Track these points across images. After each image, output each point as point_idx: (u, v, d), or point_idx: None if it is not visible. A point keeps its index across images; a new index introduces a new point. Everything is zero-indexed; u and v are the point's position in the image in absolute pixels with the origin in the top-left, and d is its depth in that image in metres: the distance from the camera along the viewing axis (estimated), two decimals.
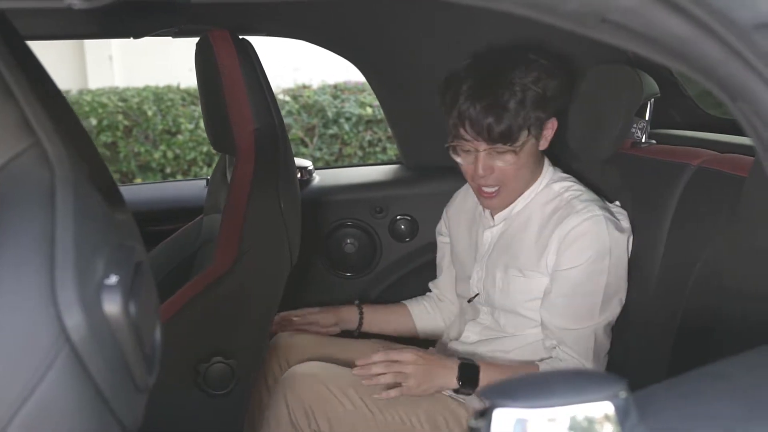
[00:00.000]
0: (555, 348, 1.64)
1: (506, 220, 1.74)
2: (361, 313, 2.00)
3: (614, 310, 1.65)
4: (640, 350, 1.66)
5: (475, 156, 1.63)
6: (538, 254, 1.65)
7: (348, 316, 2.00)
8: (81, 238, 0.69)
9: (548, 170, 1.72)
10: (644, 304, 1.64)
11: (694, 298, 1.50)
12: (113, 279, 0.71)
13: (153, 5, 1.54)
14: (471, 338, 1.79)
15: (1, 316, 0.66)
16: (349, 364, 1.83)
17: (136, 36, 1.85)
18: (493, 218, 1.77)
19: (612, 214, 1.65)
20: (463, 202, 1.91)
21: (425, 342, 2.00)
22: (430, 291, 2.05)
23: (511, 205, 1.73)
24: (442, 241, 2.00)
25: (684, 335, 1.53)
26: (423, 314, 2.02)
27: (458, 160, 1.68)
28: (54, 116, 0.75)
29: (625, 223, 1.66)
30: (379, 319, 2.01)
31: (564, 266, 1.61)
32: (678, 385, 0.72)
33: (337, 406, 1.64)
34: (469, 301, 1.81)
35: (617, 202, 1.73)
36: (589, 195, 1.67)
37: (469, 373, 1.59)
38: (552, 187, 1.69)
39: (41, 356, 0.66)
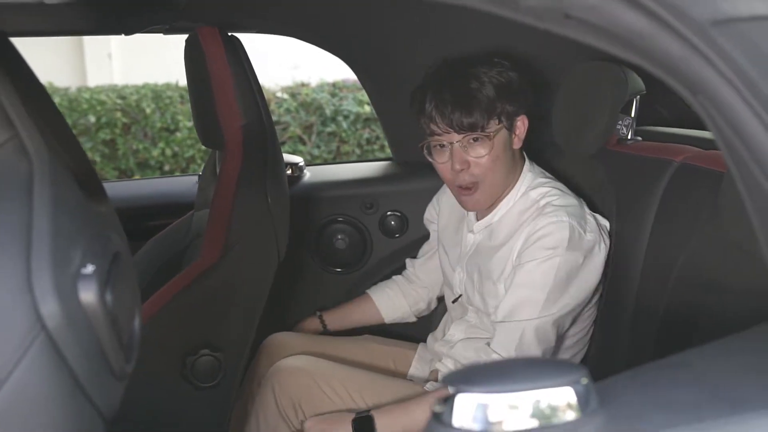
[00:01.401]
0: (483, 345, 1.65)
1: (487, 228, 1.75)
2: (322, 322, 2.04)
3: (555, 314, 1.60)
4: (624, 344, 1.67)
5: (449, 151, 1.64)
6: (506, 260, 1.66)
7: (312, 327, 2.05)
8: (58, 228, 0.71)
9: (527, 175, 1.72)
10: (627, 298, 1.65)
11: (677, 292, 1.52)
12: (89, 268, 0.73)
13: (144, 2, 1.55)
14: (456, 336, 1.80)
15: None
16: (341, 362, 1.85)
17: (128, 32, 1.87)
18: (475, 224, 1.78)
19: (582, 225, 1.63)
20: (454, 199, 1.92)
21: (421, 332, 2.02)
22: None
23: (491, 214, 1.73)
24: (432, 229, 2.01)
25: (667, 329, 1.55)
26: (386, 301, 2.04)
27: (433, 160, 1.69)
28: (34, 110, 0.77)
29: (591, 237, 1.63)
30: (343, 320, 2.06)
31: (522, 260, 1.62)
32: (640, 374, 0.74)
33: (323, 398, 1.66)
34: (454, 302, 1.83)
35: (607, 225, 1.71)
36: (564, 201, 1.66)
37: (364, 425, 1.59)
38: (529, 195, 1.69)
39: (16, 342, 0.67)
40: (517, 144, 1.69)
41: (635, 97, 1.79)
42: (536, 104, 1.73)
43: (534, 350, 1.59)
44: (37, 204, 0.71)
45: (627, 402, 0.69)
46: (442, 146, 1.65)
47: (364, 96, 5.96)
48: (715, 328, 1.39)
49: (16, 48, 0.89)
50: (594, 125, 1.75)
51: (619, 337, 1.69)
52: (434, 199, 2.00)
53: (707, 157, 1.58)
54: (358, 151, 6.01)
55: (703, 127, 1.83)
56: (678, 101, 2.04)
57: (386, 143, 5.84)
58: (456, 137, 1.62)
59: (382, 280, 2.17)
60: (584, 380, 0.65)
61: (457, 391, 0.64)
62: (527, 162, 1.74)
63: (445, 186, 1.94)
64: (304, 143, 5.98)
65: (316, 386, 1.68)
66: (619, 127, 1.81)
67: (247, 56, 1.71)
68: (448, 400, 0.65)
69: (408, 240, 2.25)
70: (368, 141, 6.02)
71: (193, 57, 1.70)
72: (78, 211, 0.77)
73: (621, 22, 0.68)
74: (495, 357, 1.59)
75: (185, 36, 1.80)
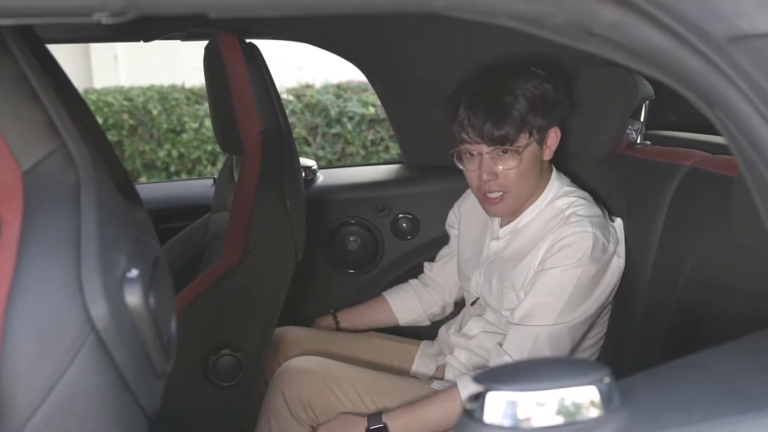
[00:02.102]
0: (495, 346, 1.67)
1: (511, 234, 1.76)
2: (336, 320, 2.07)
3: (570, 322, 1.62)
4: (634, 345, 1.70)
5: (479, 161, 1.66)
6: (528, 269, 1.67)
7: (325, 324, 2.08)
8: (104, 234, 0.74)
9: (554, 184, 1.74)
10: (637, 300, 1.68)
11: (686, 294, 1.54)
12: (134, 272, 0.76)
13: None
14: (474, 331, 1.82)
15: (31, 305, 0.70)
16: (348, 360, 1.88)
17: (147, 39, 1.90)
18: (500, 230, 1.79)
19: (605, 235, 1.65)
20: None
21: (431, 330, 2.05)
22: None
23: (516, 220, 1.75)
24: (453, 234, 2.02)
25: (676, 330, 1.57)
26: (401, 303, 2.06)
27: (462, 167, 1.71)
28: (75, 118, 0.80)
29: (612, 247, 1.66)
30: (356, 320, 2.08)
31: (543, 267, 1.63)
32: (657, 374, 0.77)
33: (333, 399, 1.69)
34: (472, 304, 1.85)
35: (618, 220, 1.74)
36: (589, 211, 1.67)
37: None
38: (555, 203, 1.71)
39: (69, 343, 0.70)
40: (548, 155, 1.70)
41: (644, 102, 1.82)
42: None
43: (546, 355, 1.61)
44: (84, 211, 0.74)
45: (646, 400, 0.72)
46: (472, 155, 1.67)
47: (368, 97, 5.97)
48: (724, 330, 1.42)
49: (54, 56, 0.93)
50: (604, 130, 1.77)
51: (629, 338, 1.71)
52: (455, 206, 2.01)
53: (716, 161, 1.60)
54: (362, 152, 6.02)
55: (711, 132, 1.87)
56: (686, 106, 2.07)
57: (391, 144, 5.91)
58: (486, 148, 1.64)
59: (393, 281, 2.20)
60: (607, 379, 0.68)
61: (488, 389, 0.67)
62: (554, 171, 1.76)
63: (466, 192, 1.96)
64: (309, 144, 6.00)
65: (325, 387, 1.70)
66: (628, 131, 1.84)
67: (264, 63, 1.75)
68: (479, 398, 0.68)
69: (419, 242, 2.28)
70: (373, 142, 6.04)
71: (212, 64, 1.73)
72: (121, 217, 0.81)
73: (642, 39, 0.72)
74: (506, 359, 1.61)
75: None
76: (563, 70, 1.81)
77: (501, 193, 1.67)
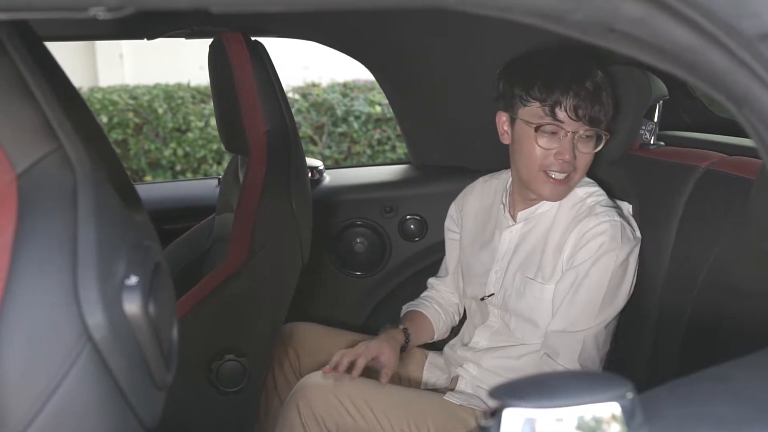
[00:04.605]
0: (543, 357, 1.65)
1: (527, 220, 1.75)
2: (407, 340, 1.91)
3: (609, 317, 1.64)
4: (649, 349, 1.67)
5: (560, 139, 1.63)
6: (555, 259, 1.67)
7: (395, 337, 1.95)
8: (102, 239, 0.71)
9: None
10: (652, 303, 1.65)
11: (702, 297, 1.52)
12: (133, 279, 0.73)
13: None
14: (481, 344, 1.80)
15: (24, 314, 0.68)
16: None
17: (150, 37, 1.88)
18: (514, 218, 1.77)
19: (629, 222, 1.67)
20: (480, 198, 1.90)
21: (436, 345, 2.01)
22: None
23: (535, 207, 1.74)
24: (451, 238, 1.98)
25: (692, 334, 1.55)
26: (436, 317, 2.00)
27: (535, 143, 1.65)
28: (74, 118, 0.77)
29: (638, 233, 1.68)
30: (415, 341, 1.97)
31: (576, 262, 1.63)
32: (680, 387, 0.74)
33: (346, 417, 1.66)
34: (482, 299, 1.81)
35: (630, 208, 1.75)
36: (609, 202, 1.69)
37: None
38: (576, 192, 1.71)
39: (65, 353, 0.67)
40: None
41: (658, 101, 1.79)
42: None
43: (594, 357, 1.63)
44: (81, 215, 0.71)
45: (670, 416, 0.69)
46: (555, 133, 1.64)
47: (375, 96, 5.96)
48: (742, 337, 1.39)
49: (53, 55, 0.90)
50: (617, 130, 1.75)
51: (641, 343, 1.69)
52: (452, 209, 1.97)
53: (733, 163, 1.57)
54: (369, 151, 6.01)
55: (726, 132, 1.84)
56: (699, 106, 2.04)
57: (397, 144, 5.89)
58: (581, 128, 1.62)
59: (401, 283, 2.18)
60: (630, 395, 0.65)
61: (505, 405, 0.64)
62: None
63: (464, 191, 1.94)
64: (315, 144, 5.98)
65: (340, 405, 1.67)
66: (642, 132, 1.81)
67: (270, 61, 1.72)
68: (496, 414, 0.65)
69: (427, 243, 2.25)
70: (379, 141, 6.02)
71: (217, 62, 1.70)
72: (120, 221, 0.78)
73: (667, 35, 0.68)
74: (559, 369, 1.60)
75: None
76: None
77: (567, 175, 1.66)
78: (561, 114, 1.61)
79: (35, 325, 0.68)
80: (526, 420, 0.64)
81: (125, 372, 0.71)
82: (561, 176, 1.65)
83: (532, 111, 1.64)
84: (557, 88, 1.61)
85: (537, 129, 1.64)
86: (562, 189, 1.68)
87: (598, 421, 0.65)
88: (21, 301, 0.67)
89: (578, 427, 0.64)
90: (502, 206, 1.81)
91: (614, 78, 1.73)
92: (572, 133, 1.62)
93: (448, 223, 1.99)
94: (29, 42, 0.78)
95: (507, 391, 0.66)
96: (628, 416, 0.65)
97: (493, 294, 1.79)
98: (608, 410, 0.64)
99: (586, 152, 1.65)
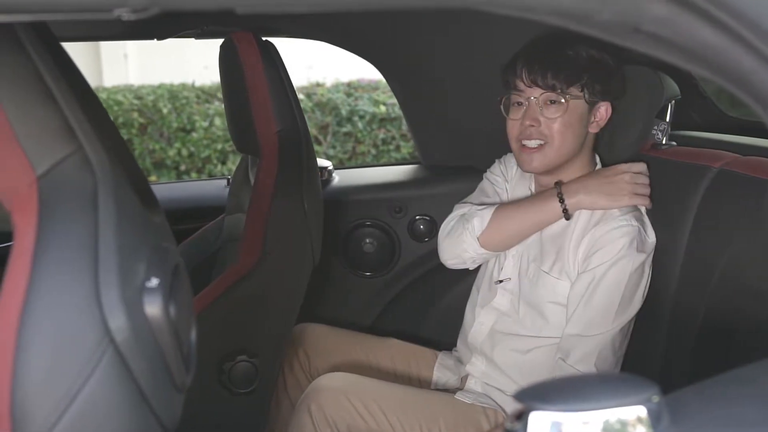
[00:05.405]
0: (558, 361, 1.65)
1: None
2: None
3: (624, 321, 1.64)
4: (662, 349, 1.66)
5: (525, 109, 1.66)
6: (572, 257, 1.66)
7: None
8: (123, 241, 0.71)
9: (600, 167, 1.75)
10: (666, 303, 1.64)
11: (715, 298, 1.51)
12: (154, 281, 0.73)
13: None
14: (486, 324, 1.79)
15: (47, 317, 0.67)
16: (367, 366, 1.84)
17: (161, 37, 1.87)
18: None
19: (645, 227, 1.66)
20: (522, 176, 1.87)
21: (449, 339, 2.00)
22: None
23: None
24: (496, 188, 1.88)
25: (705, 334, 1.54)
26: None
27: (507, 117, 1.70)
28: (93, 120, 0.77)
29: (652, 239, 1.66)
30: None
31: (591, 265, 1.62)
32: (705, 389, 0.73)
33: (358, 419, 1.65)
34: (497, 282, 1.80)
35: (644, 208, 1.72)
36: (630, 206, 1.67)
37: None
38: None
39: (87, 356, 0.67)
40: (594, 128, 1.69)
41: (670, 101, 1.78)
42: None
43: (610, 360, 1.63)
44: (102, 217, 0.71)
45: (696, 418, 0.68)
46: (520, 104, 1.68)
47: (379, 96, 5.96)
48: (758, 338, 1.38)
49: (70, 56, 0.89)
50: (629, 130, 1.74)
51: (655, 343, 1.68)
52: (501, 160, 1.91)
53: (747, 163, 1.56)
54: (373, 151, 6.01)
55: (737, 132, 1.83)
56: (710, 106, 2.03)
57: (402, 143, 5.88)
58: (537, 92, 1.64)
59: (410, 283, 2.17)
60: (656, 398, 0.65)
61: (531, 409, 0.64)
62: (599, 164, 1.76)
63: (509, 155, 1.87)
64: (319, 143, 5.98)
65: (351, 407, 1.67)
66: (654, 131, 1.80)
67: (282, 61, 1.71)
68: (522, 417, 0.64)
69: (437, 244, 2.24)
70: (384, 141, 6.02)
71: (228, 62, 1.69)
72: (140, 223, 0.77)
73: (693, 35, 0.68)
74: (574, 372, 1.60)
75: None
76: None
77: (540, 144, 1.66)
78: (519, 83, 1.66)
79: (57, 329, 0.67)
80: (552, 423, 0.63)
81: (146, 374, 0.71)
82: (532, 143, 1.67)
83: (506, 83, 1.70)
84: (518, 61, 1.67)
85: (505, 102, 1.70)
86: (536, 157, 1.67)
87: (624, 424, 0.64)
88: (43, 305, 0.67)
89: (604, 430, 0.64)
90: (529, 192, 1.81)
91: (626, 78, 1.73)
92: (533, 99, 1.65)
93: (496, 168, 1.92)
94: (48, 43, 0.78)
95: (533, 394, 0.65)
96: (654, 419, 0.64)
97: (510, 278, 1.78)
98: (634, 413, 0.64)
99: (550, 117, 1.65)
